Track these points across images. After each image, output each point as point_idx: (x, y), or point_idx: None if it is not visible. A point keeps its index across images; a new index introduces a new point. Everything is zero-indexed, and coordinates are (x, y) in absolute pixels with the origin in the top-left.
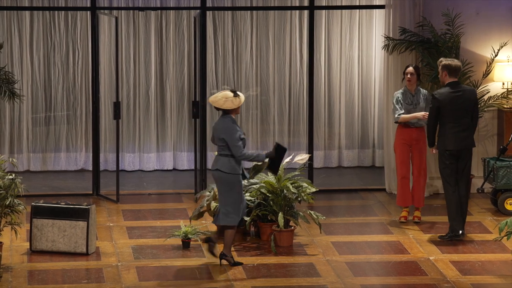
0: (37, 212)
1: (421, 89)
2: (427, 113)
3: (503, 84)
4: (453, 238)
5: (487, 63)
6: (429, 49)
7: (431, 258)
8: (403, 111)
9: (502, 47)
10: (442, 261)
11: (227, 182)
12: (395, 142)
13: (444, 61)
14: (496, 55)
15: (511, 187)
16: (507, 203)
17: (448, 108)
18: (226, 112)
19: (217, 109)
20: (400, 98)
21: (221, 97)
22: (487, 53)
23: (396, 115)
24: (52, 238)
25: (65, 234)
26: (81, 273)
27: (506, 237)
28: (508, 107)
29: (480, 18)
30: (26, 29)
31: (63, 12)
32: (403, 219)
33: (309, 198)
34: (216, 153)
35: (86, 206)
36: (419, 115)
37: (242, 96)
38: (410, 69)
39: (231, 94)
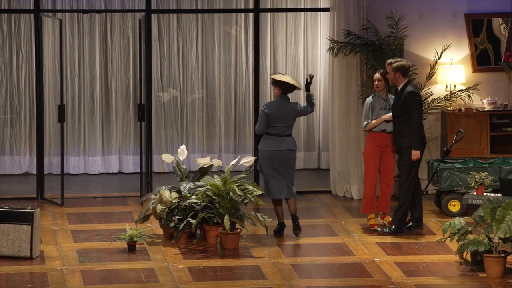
0: None
1: (390, 95)
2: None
3: (446, 86)
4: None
5: (430, 66)
6: (374, 52)
7: (376, 259)
8: (369, 120)
9: (445, 49)
10: (387, 262)
11: (295, 158)
12: (365, 148)
13: (396, 62)
14: (439, 58)
15: (454, 189)
16: (450, 204)
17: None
18: (285, 94)
19: (288, 91)
20: (369, 106)
21: (292, 79)
22: (431, 56)
23: (363, 124)
24: None
25: (9, 238)
26: (25, 277)
27: (449, 239)
28: (452, 109)
29: (423, 21)
30: None
31: (6, 14)
32: (376, 226)
33: (258, 200)
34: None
35: (30, 209)
36: (386, 117)
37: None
38: (377, 75)
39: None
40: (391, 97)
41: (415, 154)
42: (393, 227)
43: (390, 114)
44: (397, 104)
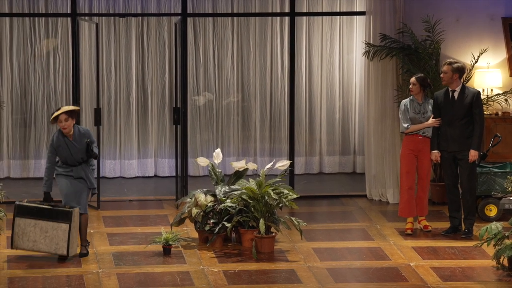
0: (21, 212)
1: (429, 99)
2: (439, 119)
3: (483, 90)
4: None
5: (467, 70)
6: (410, 56)
7: (411, 264)
8: (409, 123)
9: (482, 53)
10: (423, 267)
11: None
12: (401, 151)
13: (456, 63)
14: (476, 62)
15: (491, 193)
16: (487, 209)
17: None
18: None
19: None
20: (405, 108)
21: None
22: (467, 60)
23: (406, 126)
24: (34, 238)
25: (47, 235)
26: (61, 280)
27: (486, 243)
28: (488, 113)
29: (460, 24)
30: (6, 36)
31: (43, 18)
32: (409, 231)
33: (292, 204)
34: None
35: (69, 208)
36: (431, 123)
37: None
38: (412, 79)
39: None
40: (430, 101)
41: (475, 154)
42: (465, 231)
43: (438, 119)
44: (461, 105)
